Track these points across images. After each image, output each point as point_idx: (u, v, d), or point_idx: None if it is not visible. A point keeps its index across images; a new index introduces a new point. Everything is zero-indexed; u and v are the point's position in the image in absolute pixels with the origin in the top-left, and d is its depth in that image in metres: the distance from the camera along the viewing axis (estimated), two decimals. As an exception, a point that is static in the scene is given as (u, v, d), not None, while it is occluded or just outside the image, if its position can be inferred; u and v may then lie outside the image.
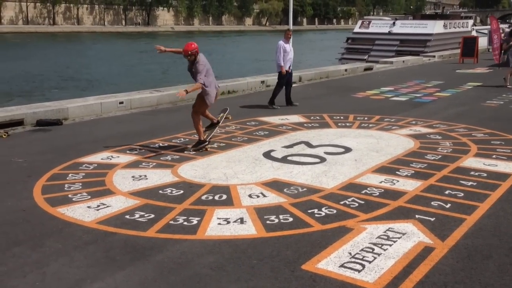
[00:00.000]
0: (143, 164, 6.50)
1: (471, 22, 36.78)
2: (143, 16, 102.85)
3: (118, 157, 6.82)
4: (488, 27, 38.21)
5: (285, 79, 10.97)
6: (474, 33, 31.54)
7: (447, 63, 22.47)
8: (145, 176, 5.97)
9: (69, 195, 5.29)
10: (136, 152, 7.09)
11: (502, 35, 23.31)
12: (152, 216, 4.72)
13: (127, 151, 7.10)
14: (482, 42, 27.40)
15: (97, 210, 4.88)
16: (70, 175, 6.01)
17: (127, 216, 4.72)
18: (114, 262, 3.84)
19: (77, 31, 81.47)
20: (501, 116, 9.81)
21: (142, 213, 4.79)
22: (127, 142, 7.60)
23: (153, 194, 5.32)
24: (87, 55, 41.94)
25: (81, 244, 4.15)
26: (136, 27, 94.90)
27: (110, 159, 6.73)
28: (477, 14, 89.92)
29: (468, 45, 22.59)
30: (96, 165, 6.44)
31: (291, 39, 11.15)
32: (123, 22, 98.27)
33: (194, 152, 7.02)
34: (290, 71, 11.03)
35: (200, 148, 7.15)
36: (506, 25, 28.26)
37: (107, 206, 4.97)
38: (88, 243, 4.18)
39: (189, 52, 6.98)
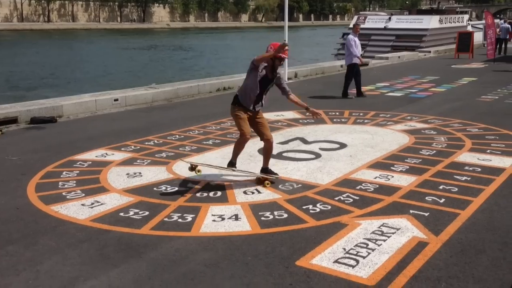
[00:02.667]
0: (138, 161, 6.48)
1: (466, 17, 36.84)
2: (139, 13, 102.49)
3: (113, 154, 6.80)
4: (484, 22, 38.27)
5: (354, 70, 11.63)
6: (469, 28, 31.59)
7: (442, 58, 22.49)
8: (140, 173, 5.96)
9: (63, 193, 5.28)
10: (131, 149, 7.07)
11: (498, 30, 23.37)
12: (147, 213, 4.72)
13: (122, 149, 7.08)
14: (478, 37, 27.44)
15: (91, 207, 4.87)
16: (64, 172, 5.99)
17: (122, 214, 4.71)
18: (108, 260, 3.83)
19: (72, 28, 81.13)
20: (496, 111, 9.83)
21: (137, 211, 4.78)
22: (122, 139, 7.58)
23: (147, 191, 5.31)
24: (82, 52, 41.78)
25: (75, 242, 4.14)
26: (131, 24, 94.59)
27: (105, 156, 6.72)
28: (472, 9, 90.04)
29: (463, 40, 22.61)
30: (90, 162, 6.42)
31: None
32: (119, 19, 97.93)
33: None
34: (358, 63, 11.76)
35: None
36: (501, 21, 28.24)
37: (101, 204, 4.96)
38: (82, 241, 4.17)
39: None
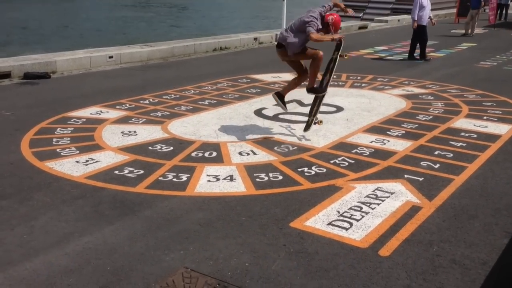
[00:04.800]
0: (133, 119, 6.43)
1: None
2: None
3: (108, 112, 6.73)
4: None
5: (421, 33, 11.39)
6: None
7: (442, 23, 22.13)
8: (135, 132, 5.92)
9: (58, 150, 5.24)
10: (126, 107, 7.00)
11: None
12: (142, 172, 4.71)
13: (117, 107, 7.01)
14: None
15: (86, 165, 4.85)
16: (58, 129, 5.94)
17: (116, 172, 4.69)
18: (103, 217, 3.84)
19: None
20: (494, 77, 9.77)
21: (131, 169, 4.76)
22: (116, 97, 7.50)
23: (142, 150, 5.29)
24: (73, 8, 40.85)
25: (70, 199, 4.14)
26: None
27: (99, 114, 6.65)
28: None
29: (464, 4, 22.17)
30: (85, 119, 6.36)
31: None
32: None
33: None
34: (427, 25, 11.46)
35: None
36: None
37: (96, 161, 4.94)
38: (76, 197, 4.16)
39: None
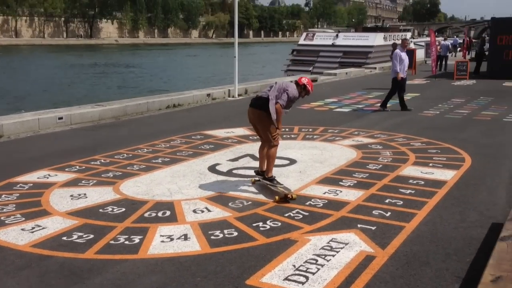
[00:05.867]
0: (83, 182, 6.28)
1: (409, 34, 38.34)
2: (86, 29, 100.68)
3: (56, 175, 6.56)
4: (425, 39, 39.91)
5: (398, 85, 12.05)
6: (412, 46, 32.88)
7: (387, 75, 23.15)
8: (85, 194, 5.77)
9: (1, 218, 5.02)
10: (76, 169, 6.84)
11: (439, 47, 24.47)
12: (91, 236, 4.56)
13: (66, 169, 6.85)
14: (420, 54, 28.60)
15: (32, 232, 4.65)
16: (3, 196, 5.71)
17: (64, 238, 4.52)
18: (49, 287, 3.66)
19: (15, 44, 78.64)
20: (437, 125, 10.23)
21: (81, 234, 4.61)
22: (66, 159, 7.33)
23: (92, 213, 5.14)
24: (25, 69, 40.44)
25: (13, 270, 3.93)
26: (78, 40, 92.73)
27: (47, 177, 6.47)
28: (415, 27, 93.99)
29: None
30: (31, 184, 6.16)
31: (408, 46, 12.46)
32: (64, 34, 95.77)
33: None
34: (405, 77, 12.14)
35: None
36: (441, 38, 29.65)
37: (43, 228, 4.75)
38: (21, 268, 3.96)
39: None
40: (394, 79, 12.12)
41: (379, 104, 12.53)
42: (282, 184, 5.81)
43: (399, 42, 13.04)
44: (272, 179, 5.80)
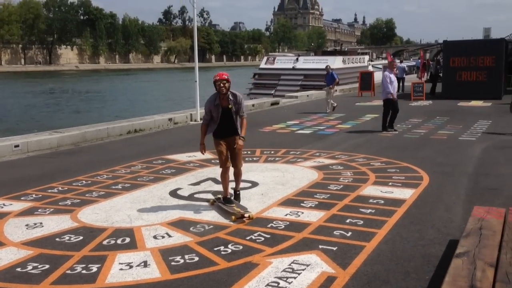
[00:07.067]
0: (39, 210, 6.09)
1: (367, 57, 39.47)
2: (44, 55, 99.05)
3: (11, 204, 6.34)
4: (383, 62, 41.07)
5: (391, 105, 12.20)
6: (370, 68, 33.81)
7: (347, 97, 23.75)
8: (41, 223, 5.59)
9: (-49, 250, 4.80)
10: (32, 198, 6.64)
11: (395, 69, 25.17)
12: (47, 266, 4.40)
13: (22, 198, 6.63)
14: (378, 76, 29.38)
15: (-16, 264, 4.46)
16: (-47, 227, 5.47)
17: (18, 269, 4.35)
18: (1, 322, 3.50)
19: (-30, 71, 76.51)
20: (396, 145, 10.48)
21: (36, 264, 4.45)
22: (22, 188, 7.11)
23: (49, 243, 4.98)
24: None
25: (-37, 305, 3.75)
26: (36, 66, 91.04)
27: (2, 207, 6.24)
28: (372, 50, 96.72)
29: (365, 79, 24.13)
30: (-16, 214, 5.93)
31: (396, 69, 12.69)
32: (22, 61, 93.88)
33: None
34: (395, 98, 12.28)
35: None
36: (398, 61, 30.58)
37: (-4, 260, 4.56)
38: (-29, 303, 3.79)
39: (226, 77, 5.75)
40: (386, 100, 12.30)
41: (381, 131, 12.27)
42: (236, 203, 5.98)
43: (386, 64, 13.46)
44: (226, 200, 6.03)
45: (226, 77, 5.73)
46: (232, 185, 6.22)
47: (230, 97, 5.80)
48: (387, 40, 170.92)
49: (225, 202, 5.99)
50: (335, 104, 17.12)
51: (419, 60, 29.96)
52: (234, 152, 5.92)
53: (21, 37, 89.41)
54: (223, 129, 5.85)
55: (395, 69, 12.94)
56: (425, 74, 29.53)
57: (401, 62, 29.03)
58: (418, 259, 4.50)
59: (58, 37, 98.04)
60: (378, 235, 5.09)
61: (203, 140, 5.99)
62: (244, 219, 5.56)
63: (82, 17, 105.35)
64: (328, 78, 17.24)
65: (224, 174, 6.00)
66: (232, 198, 6.11)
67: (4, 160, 9.35)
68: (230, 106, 5.79)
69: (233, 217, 5.58)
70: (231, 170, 6.06)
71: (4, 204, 6.36)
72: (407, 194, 6.63)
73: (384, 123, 12.46)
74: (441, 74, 24.04)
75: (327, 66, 17.88)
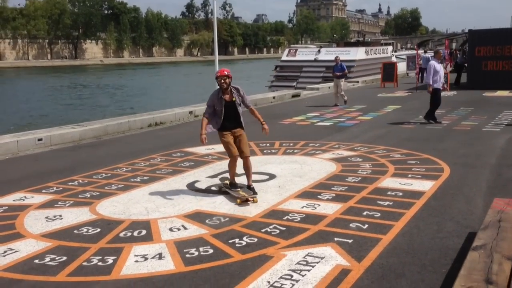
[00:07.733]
0: (59, 203, 6.19)
1: (390, 48, 38.91)
2: (70, 50, 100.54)
3: (32, 197, 6.46)
4: (406, 52, 40.39)
5: (436, 96, 11.85)
6: (393, 59, 33.29)
7: (369, 88, 23.49)
8: (60, 216, 5.68)
9: (-27, 242, 4.92)
10: (53, 191, 6.75)
11: (419, 60, 24.78)
12: (64, 258, 4.47)
13: (43, 191, 6.76)
14: (402, 67, 28.95)
15: (4, 256, 4.56)
16: (-24, 220, 5.61)
17: (36, 261, 4.44)
18: (18, 312, 3.57)
19: (-1, 66, 78.24)
20: (417, 136, 10.30)
21: (53, 256, 4.52)
22: (43, 181, 7.24)
23: (67, 235, 5.06)
24: (7, 92, 40.15)
25: (-18, 295, 3.84)
26: (62, 61, 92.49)
27: (23, 200, 6.37)
28: (397, 41, 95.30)
29: (388, 71, 23.78)
30: (6, 207, 6.06)
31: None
32: (49, 56, 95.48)
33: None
34: (442, 88, 12.01)
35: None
36: (421, 51, 30.08)
37: (15, 251, 4.66)
38: (-10, 293, 3.88)
39: (226, 73, 6.05)
40: (434, 90, 11.85)
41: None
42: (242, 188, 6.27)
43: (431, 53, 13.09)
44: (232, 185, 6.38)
45: (226, 73, 6.09)
46: (240, 179, 6.47)
47: (233, 90, 6.17)
48: (412, 30, 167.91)
49: (231, 187, 6.33)
50: (346, 98, 16.76)
51: (445, 50, 29.41)
52: (241, 142, 6.23)
53: (47, 32, 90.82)
54: (228, 122, 6.22)
55: (441, 58, 12.23)
56: (450, 64, 28.94)
57: (425, 52, 28.54)
58: (435, 252, 4.41)
59: (83, 32, 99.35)
60: (395, 228, 5.01)
61: (203, 131, 6.24)
62: (248, 202, 5.89)
63: (106, 12, 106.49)
64: (337, 69, 16.60)
65: (233, 163, 6.28)
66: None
67: (28, 154, 9.54)
68: (234, 98, 6.16)
69: (238, 200, 5.94)
70: (240, 163, 6.31)
71: (25, 197, 6.49)
72: (426, 186, 6.51)
73: (430, 113, 12.06)
74: (466, 64, 23.54)
75: (336, 57, 17.44)
